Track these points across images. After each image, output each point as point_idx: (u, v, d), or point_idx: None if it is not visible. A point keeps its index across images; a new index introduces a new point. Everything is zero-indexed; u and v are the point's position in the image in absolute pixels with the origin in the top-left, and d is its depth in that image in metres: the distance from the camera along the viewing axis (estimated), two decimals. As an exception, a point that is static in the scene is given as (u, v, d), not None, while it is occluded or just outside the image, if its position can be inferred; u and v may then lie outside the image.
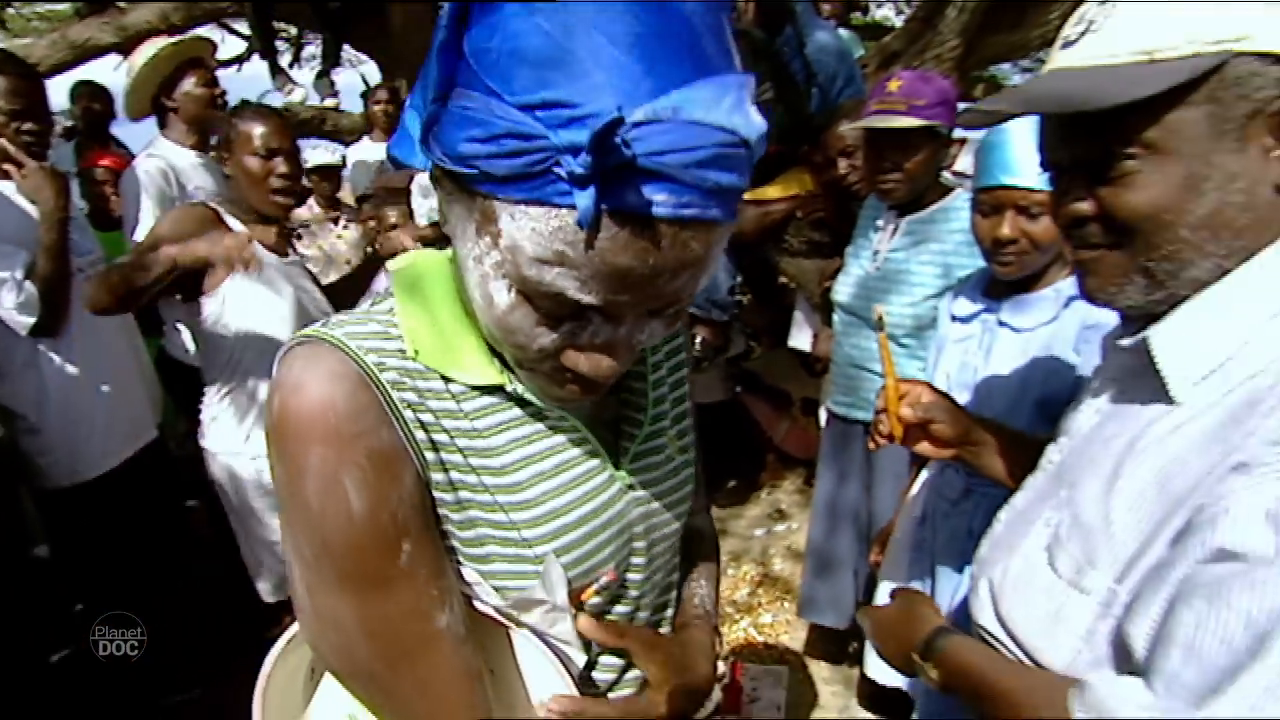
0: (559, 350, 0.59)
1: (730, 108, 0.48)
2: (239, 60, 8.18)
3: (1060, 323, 1.38)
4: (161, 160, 2.61)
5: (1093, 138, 0.69)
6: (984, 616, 0.84)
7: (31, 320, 2.02)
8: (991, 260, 1.44)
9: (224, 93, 2.76)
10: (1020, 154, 1.33)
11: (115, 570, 2.20)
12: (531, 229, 0.51)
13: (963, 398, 1.43)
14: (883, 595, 1.66)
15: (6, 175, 2.05)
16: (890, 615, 0.99)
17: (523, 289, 0.55)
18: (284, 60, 6.74)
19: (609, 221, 0.49)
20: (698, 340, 2.87)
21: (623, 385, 0.76)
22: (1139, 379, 0.75)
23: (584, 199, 0.47)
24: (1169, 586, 0.64)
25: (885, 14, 9.19)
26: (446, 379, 0.65)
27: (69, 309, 2.10)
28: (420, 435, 0.62)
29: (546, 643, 0.71)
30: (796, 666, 2.57)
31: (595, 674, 0.76)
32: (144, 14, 4.57)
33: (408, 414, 0.61)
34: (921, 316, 1.91)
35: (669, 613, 0.86)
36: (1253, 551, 0.59)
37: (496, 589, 0.68)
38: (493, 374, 0.65)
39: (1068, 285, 1.38)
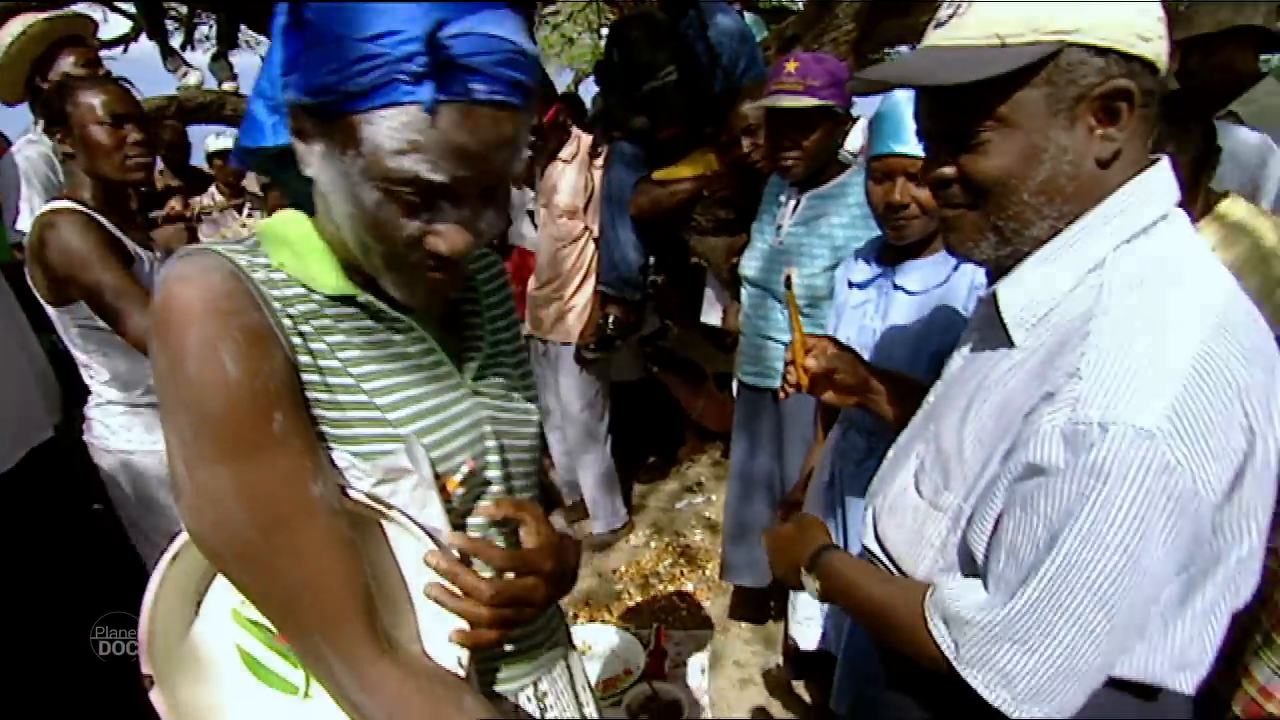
0: (422, 236, 0.70)
1: (513, 29, 0.66)
2: (124, 40, 7.69)
3: (951, 285, 1.49)
4: (44, 145, 2.48)
5: (955, 110, 0.78)
6: (867, 538, 0.96)
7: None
8: (885, 225, 1.53)
9: (107, 74, 2.62)
10: (909, 124, 1.42)
11: (12, 574, 2.09)
12: (387, 128, 0.64)
13: (864, 356, 1.53)
14: None
15: None
16: (785, 534, 1.12)
17: (385, 183, 0.66)
18: (175, 41, 6.40)
19: (445, 109, 0.64)
20: (610, 319, 2.91)
21: (462, 316, 0.88)
22: (992, 327, 0.86)
23: (426, 90, 0.62)
24: (999, 500, 0.76)
25: (791, -2, 9.36)
26: (308, 289, 0.74)
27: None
28: (288, 323, 0.71)
29: (419, 530, 0.75)
30: (719, 630, 2.67)
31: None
32: (14, -11, 4.26)
33: (276, 305, 0.70)
34: (819, 288, 2.00)
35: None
36: (1050, 465, 0.70)
37: (365, 459, 0.74)
38: (347, 286, 0.75)
39: None
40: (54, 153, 2.51)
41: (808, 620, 1.87)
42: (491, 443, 0.84)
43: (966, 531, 0.80)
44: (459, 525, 0.82)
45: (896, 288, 1.57)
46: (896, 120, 1.45)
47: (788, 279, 1.25)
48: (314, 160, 0.70)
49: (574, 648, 1.03)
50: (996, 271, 0.85)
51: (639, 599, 2.89)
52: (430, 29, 0.61)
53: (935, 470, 0.85)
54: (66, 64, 2.50)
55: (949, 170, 0.81)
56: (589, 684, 1.05)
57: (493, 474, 0.84)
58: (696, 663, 2.48)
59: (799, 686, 2.36)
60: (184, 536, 0.73)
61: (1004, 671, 0.74)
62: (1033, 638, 0.72)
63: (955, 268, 1.49)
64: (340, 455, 0.73)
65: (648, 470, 3.72)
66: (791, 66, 1.94)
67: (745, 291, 2.25)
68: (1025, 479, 0.73)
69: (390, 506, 0.74)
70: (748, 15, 4.09)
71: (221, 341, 0.65)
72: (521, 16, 0.67)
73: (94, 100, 1.81)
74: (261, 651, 0.77)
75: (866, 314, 1.62)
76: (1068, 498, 0.69)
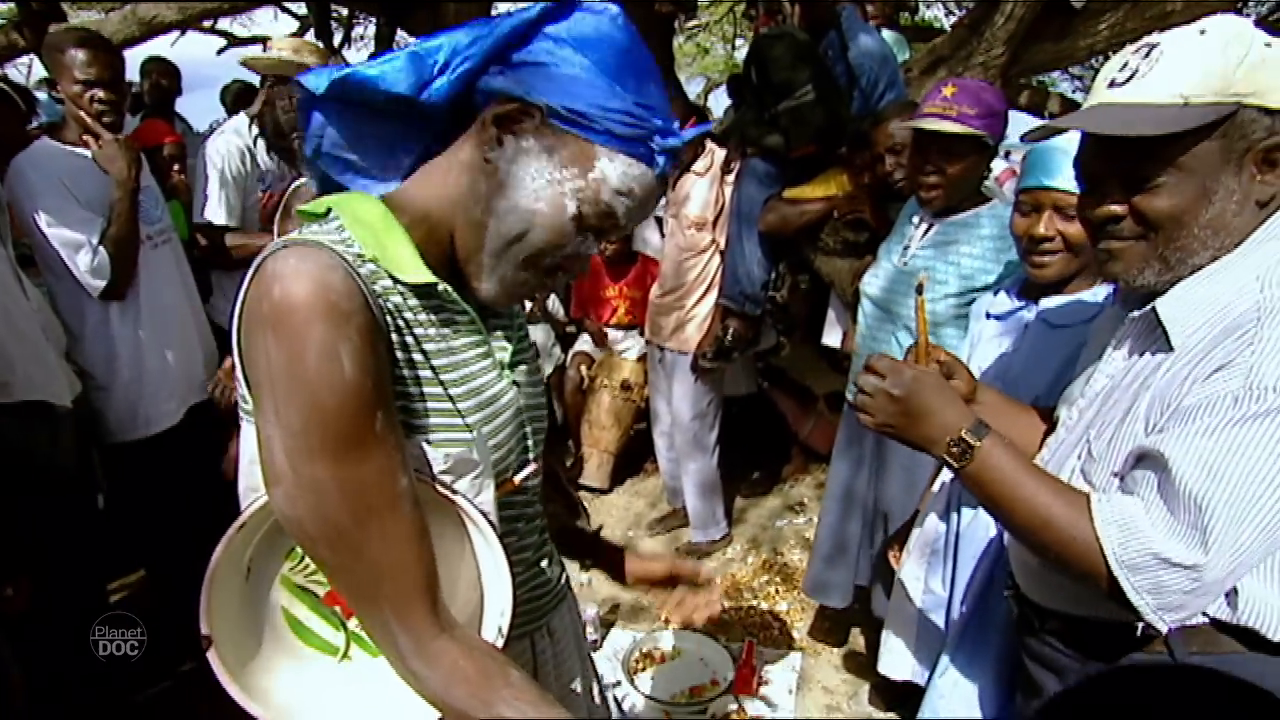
0: (573, 250, 0.81)
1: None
2: (325, 52, 8.35)
3: (1101, 318, 1.45)
4: (241, 139, 2.73)
5: (1134, 156, 0.89)
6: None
7: (103, 284, 2.16)
8: (1027, 258, 1.53)
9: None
10: (1061, 161, 1.45)
11: (168, 520, 2.33)
12: (623, 170, 0.79)
13: (998, 386, 1.51)
14: (911, 589, 1.73)
15: (85, 145, 2.19)
16: (926, 402, 1.04)
17: (590, 206, 0.79)
18: (335, 40, 6.89)
19: (656, 178, 0.80)
20: (730, 332, 2.94)
21: (494, 314, 0.92)
22: (1145, 339, 0.98)
23: (663, 161, 0.80)
24: (1162, 450, 0.88)
25: (935, 14, 9.08)
26: (394, 279, 0.77)
27: (135, 274, 2.24)
28: (387, 319, 0.75)
29: (481, 518, 0.81)
30: (810, 653, 2.65)
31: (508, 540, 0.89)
32: (208, -7, 4.71)
33: (378, 300, 0.74)
34: (938, 314, 1.96)
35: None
36: (1223, 418, 0.85)
37: (435, 446, 0.79)
38: (428, 275, 0.78)
39: (1105, 289, 1.49)
40: (254, 146, 2.79)
41: (899, 652, 1.85)
42: (529, 428, 0.92)
43: (1123, 483, 0.94)
44: (506, 531, 0.89)
45: (1040, 319, 1.56)
46: (1048, 156, 1.48)
47: (920, 285, 1.25)
48: (508, 151, 0.78)
49: (570, 591, 1.13)
50: (1145, 295, 0.96)
51: (731, 611, 2.90)
52: (676, 129, 0.81)
53: (1091, 469, 1.00)
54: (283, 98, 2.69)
55: (1119, 209, 0.93)
56: (582, 624, 1.23)
57: (529, 458, 0.93)
58: (784, 682, 2.47)
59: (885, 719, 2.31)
60: (250, 509, 0.79)
61: (1158, 582, 0.87)
62: (1195, 551, 0.84)
63: (1102, 306, 1.46)
64: (413, 444, 0.78)
65: (751, 485, 3.72)
66: (949, 91, 1.92)
67: (864, 309, 2.22)
68: (1193, 432, 0.85)
69: (455, 492, 0.79)
70: (888, 33, 4.02)
71: (342, 343, 0.68)
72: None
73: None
74: (305, 615, 0.82)
75: (1003, 345, 1.61)
76: (1243, 443, 0.82)
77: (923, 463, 1.90)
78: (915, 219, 2.11)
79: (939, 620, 1.67)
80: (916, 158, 2.00)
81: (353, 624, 0.82)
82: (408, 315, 0.78)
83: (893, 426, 1.07)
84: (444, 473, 0.79)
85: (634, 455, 3.95)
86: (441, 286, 0.79)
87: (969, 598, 1.57)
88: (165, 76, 3.96)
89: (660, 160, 0.80)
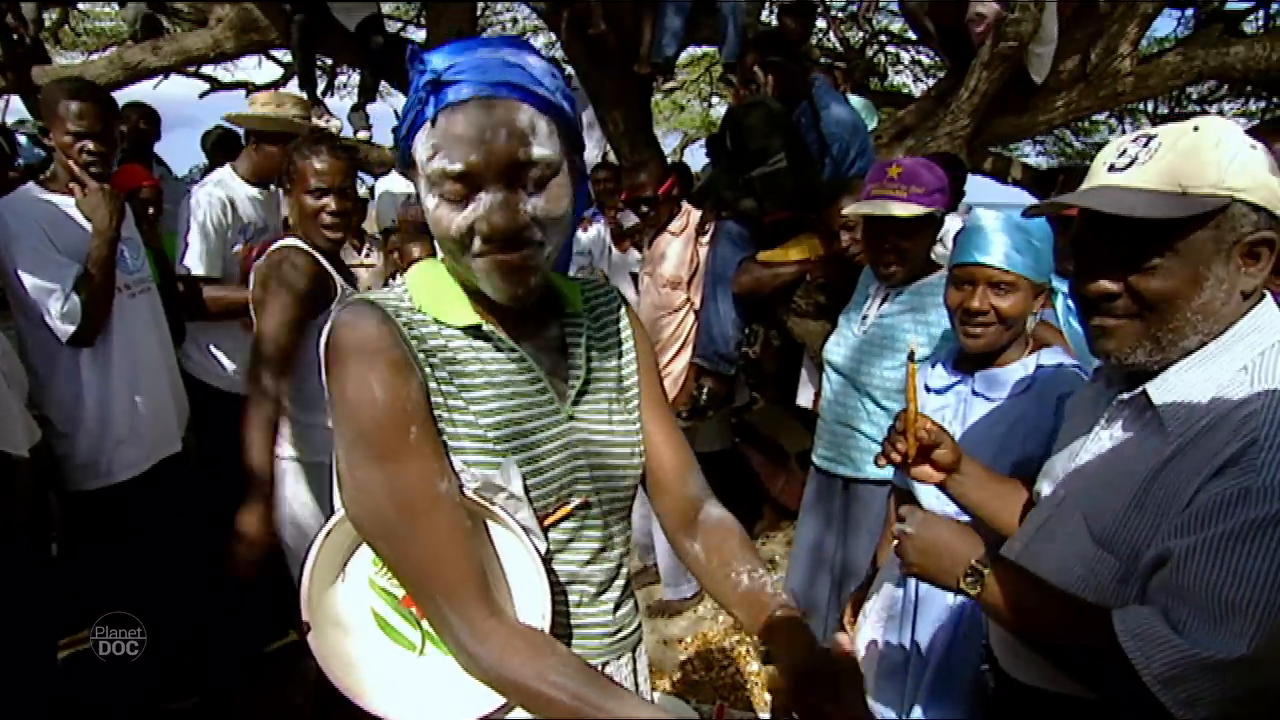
0: (470, 225, 0.84)
1: (508, 52, 0.85)
2: (274, 86, 8.44)
3: (1034, 392, 1.53)
4: (224, 191, 2.76)
5: (1131, 238, 0.94)
6: None
7: (72, 329, 2.13)
8: (961, 329, 1.59)
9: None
10: (993, 239, 1.53)
11: (128, 573, 2.27)
12: (419, 144, 0.85)
13: None
14: (866, 654, 1.74)
15: (70, 193, 2.19)
16: (943, 534, 1.12)
17: (431, 187, 0.85)
18: (319, 88, 6.97)
19: (442, 114, 0.83)
20: (704, 390, 2.97)
21: (566, 347, 1.00)
22: (1136, 422, 1.02)
23: (429, 108, 0.83)
24: (1183, 554, 0.89)
25: (903, 80, 9.45)
26: (440, 324, 0.90)
27: (107, 322, 2.22)
28: (422, 357, 0.87)
29: (516, 525, 0.89)
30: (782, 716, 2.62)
31: (556, 566, 0.95)
32: (195, 41, 4.79)
33: (414, 343, 0.87)
34: (903, 380, 2.01)
35: (625, 562, 1.04)
36: (1240, 521, 0.85)
37: (468, 467, 0.88)
38: (473, 318, 0.91)
39: (1033, 360, 1.58)
40: (266, 203, 2.83)
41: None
42: (582, 461, 0.95)
43: (1147, 578, 0.94)
44: (554, 553, 0.94)
45: (975, 394, 1.61)
46: (982, 234, 1.55)
47: (911, 352, 1.29)
48: (423, 203, 0.88)
49: (642, 647, 1.11)
50: (1131, 376, 1.02)
51: (701, 671, 2.87)
52: (439, 70, 0.83)
53: (1102, 534, 1.00)
54: (276, 150, 2.75)
55: (1114, 286, 0.97)
56: (649, 679, 1.14)
57: (582, 489, 0.95)
58: (756, 746, 2.44)
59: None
60: (336, 517, 0.91)
61: (1195, 693, 0.86)
62: (1238, 645, 0.83)
63: (1035, 376, 1.55)
64: (455, 462, 0.88)
65: (721, 541, 3.71)
66: (895, 172, 1.98)
67: (828, 377, 2.25)
68: (1212, 536, 0.86)
69: (493, 503, 0.88)
70: (855, 99, 4.18)
71: (371, 372, 0.82)
72: (519, 48, 0.88)
73: (310, 166, 2.04)
74: (389, 613, 0.94)
75: (945, 419, 1.64)
76: (1262, 544, 0.83)
77: (890, 524, 1.93)
78: (872, 288, 2.17)
79: (898, 686, 1.68)
80: (872, 237, 2.06)
81: (426, 623, 0.91)
82: (445, 354, 0.89)
83: (917, 565, 1.13)
84: (476, 491, 0.88)
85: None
86: (487, 327, 0.92)
87: (933, 663, 1.59)
88: (145, 120, 3.97)
89: (427, 109, 0.83)
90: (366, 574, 0.94)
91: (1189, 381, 0.96)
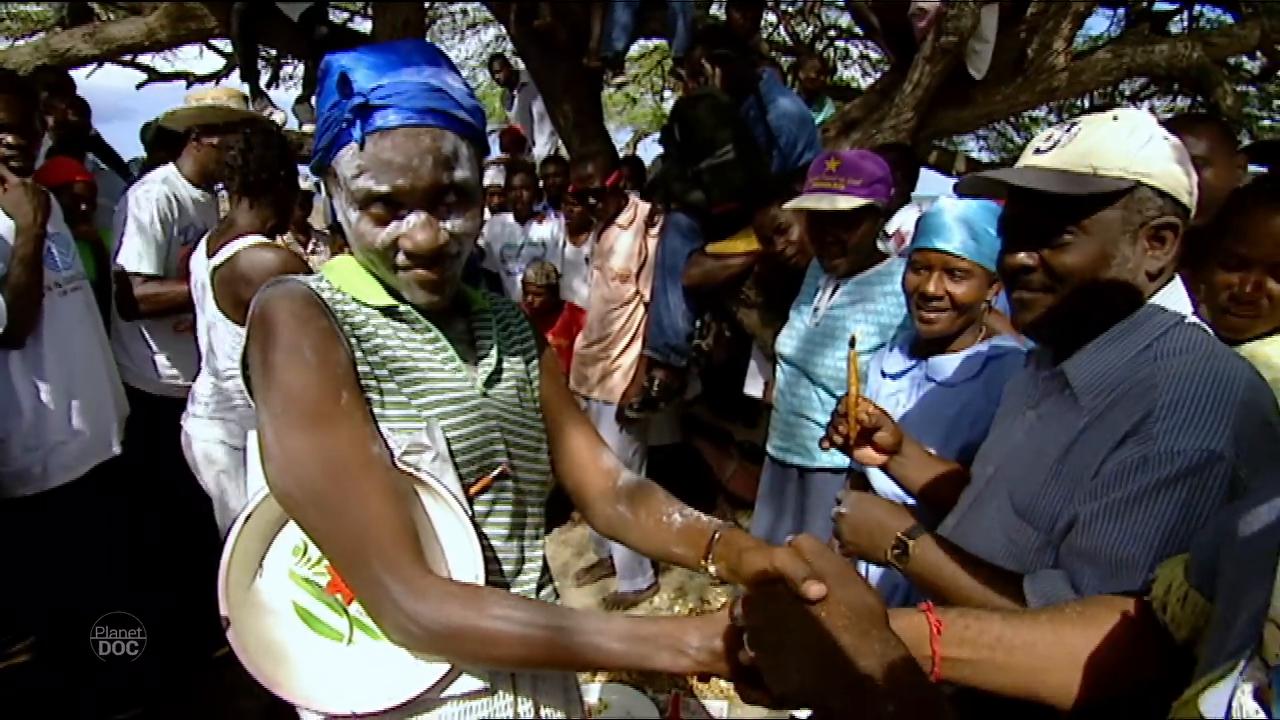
0: (394, 241, 0.90)
1: (430, 74, 0.89)
2: (216, 77, 8.20)
3: (983, 378, 1.58)
4: (169, 189, 2.66)
5: (1047, 215, 0.99)
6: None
7: (-1, 331, 2.05)
8: (916, 313, 1.63)
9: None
10: (951, 225, 1.57)
11: (64, 582, 2.20)
12: (345, 162, 0.89)
13: None
14: None
15: (-8, 189, 2.10)
16: (873, 512, 1.19)
17: (355, 203, 0.89)
18: (262, 80, 6.79)
19: (370, 139, 0.87)
20: (655, 382, 2.99)
21: (477, 339, 1.06)
22: (1056, 400, 1.07)
23: (356, 130, 0.87)
24: (1088, 516, 0.94)
25: (852, 75, 9.59)
26: (360, 303, 0.95)
27: (36, 323, 2.14)
28: (347, 329, 0.91)
29: (445, 490, 0.91)
30: (736, 704, 2.65)
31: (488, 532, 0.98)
32: (128, 29, 4.62)
33: (339, 315, 0.91)
34: (861, 368, 2.05)
35: (543, 549, 1.09)
36: (1136, 486, 0.90)
37: (395, 433, 0.91)
38: (388, 299, 0.96)
39: (984, 346, 1.61)
40: (208, 206, 2.78)
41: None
42: (497, 434, 1.00)
43: (1060, 545, 0.99)
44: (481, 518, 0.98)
45: (929, 379, 1.66)
46: (940, 220, 1.59)
47: (852, 340, 1.33)
48: (337, 209, 0.94)
49: None
50: (1056, 352, 1.07)
51: (658, 662, 2.88)
52: (365, 92, 0.86)
53: (1023, 506, 1.05)
54: (219, 141, 2.67)
55: (1030, 260, 1.02)
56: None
57: (500, 459, 1.00)
58: (710, 734, 2.47)
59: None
60: (252, 503, 0.91)
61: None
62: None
63: (985, 363, 1.59)
64: (380, 428, 0.91)
65: (676, 532, 3.73)
66: (833, 165, 2.01)
67: (781, 369, 2.29)
68: (1113, 500, 0.91)
69: (419, 468, 0.90)
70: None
71: (303, 337, 0.86)
72: (439, 65, 0.92)
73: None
74: (312, 604, 0.93)
75: (899, 403, 1.69)
76: (1156, 506, 0.88)
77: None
78: (822, 280, 2.20)
79: None
80: (815, 230, 2.09)
81: (354, 610, 0.91)
82: (367, 329, 0.94)
83: (851, 543, 1.19)
84: (404, 454, 0.90)
85: (560, 505, 3.90)
86: (403, 308, 0.97)
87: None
88: (75, 111, 3.81)
89: (354, 131, 0.86)
90: (285, 566, 0.93)
91: (1100, 359, 1.01)
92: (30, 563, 2.21)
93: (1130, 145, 0.97)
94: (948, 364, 1.64)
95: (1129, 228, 0.97)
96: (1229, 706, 0.53)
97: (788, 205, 2.26)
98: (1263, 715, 0.52)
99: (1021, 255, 1.03)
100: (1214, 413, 0.88)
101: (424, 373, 0.95)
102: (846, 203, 1.94)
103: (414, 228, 0.89)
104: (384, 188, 0.87)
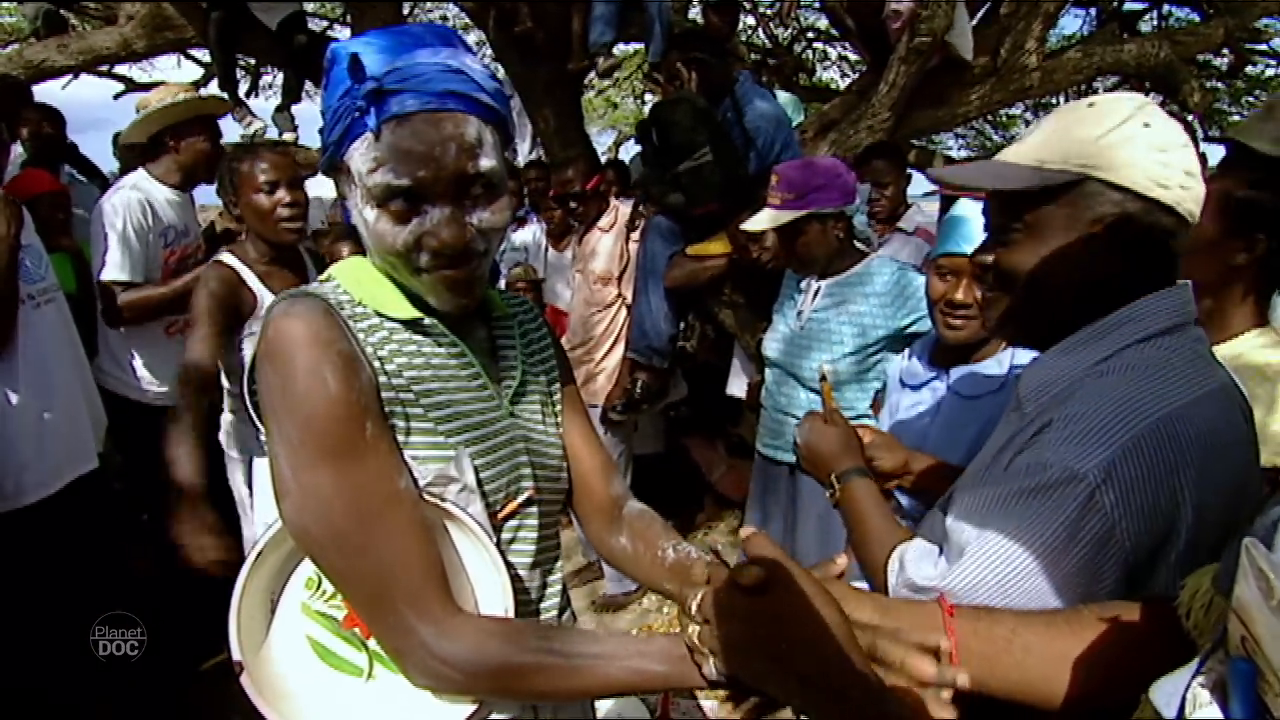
0: (418, 240, 0.82)
1: (446, 55, 0.81)
2: (195, 87, 8.12)
3: (1006, 392, 1.48)
4: (141, 194, 2.64)
5: (1001, 211, 0.95)
6: None
7: (-26, 343, 2.03)
8: (940, 322, 1.56)
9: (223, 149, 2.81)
10: (978, 229, 1.50)
11: (40, 597, 2.17)
12: (359, 156, 0.80)
13: None
14: None
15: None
16: (829, 436, 1.25)
17: (372, 200, 0.81)
18: (241, 89, 6.75)
19: (387, 126, 0.78)
20: (639, 384, 3.00)
21: (500, 349, 1.00)
22: (1016, 404, 1.01)
23: (371, 119, 0.78)
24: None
25: (831, 76, 9.65)
26: (382, 316, 0.87)
27: (13, 334, 2.12)
28: (369, 350, 0.83)
29: (474, 524, 0.86)
30: (724, 706, 2.66)
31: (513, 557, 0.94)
32: (103, 39, 4.59)
33: (360, 336, 0.84)
34: (841, 374, 2.07)
35: (561, 571, 1.05)
36: (1015, 488, 0.86)
37: (420, 463, 0.85)
38: (413, 311, 0.88)
39: (1007, 357, 1.53)
40: (184, 206, 2.76)
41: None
42: (524, 458, 0.95)
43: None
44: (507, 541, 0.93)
45: (951, 391, 1.58)
46: (968, 224, 1.51)
47: (822, 375, 1.33)
48: (347, 200, 0.86)
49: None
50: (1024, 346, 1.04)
51: (646, 663, 2.89)
52: (367, 74, 0.78)
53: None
54: (198, 138, 2.69)
55: (986, 258, 0.97)
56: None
57: (526, 485, 0.95)
58: (700, 734, 2.47)
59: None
60: (263, 540, 0.85)
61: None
62: (937, 577, 0.88)
63: (1009, 373, 1.50)
64: (408, 458, 0.85)
65: (664, 534, 3.74)
66: (775, 179, 2.08)
67: (768, 370, 2.33)
68: (994, 494, 0.88)
69: (444, 499, 0.85)
70: (783, 95, 4.26)
71: (324, 363, 0.78)
72: (454, 46, 0.84)
73: (255, 167, 2.10)
74: (328, 639, 0.87)
75: (921, 415, 1.62)
76: (1018, 509, 0.84)
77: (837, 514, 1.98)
78: (803, 283, 2.24)
79: None
80: (780, 239, 2.18)
81: (373, 644, 0.85)
82: (390, 348, 0.86)
83: (805, 464, 1.27)
84: (429, 486, 0.84)
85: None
86: (429, 321, 0.89)
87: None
88: (49, 123, 3.78)
89: (369, 119, 0.78)
90: (299, 600, 0.88)
91: (1053, 367, 0.94)
92: (4, 582, 2.18)
93: (1086, 136, 0.87)
94: (971, 377, 1.56)
95: (1076, 225, 0.88)
96: (1182, 700, 0.52)
97: (744, 226, 2.30)
98: (1216, 708, 0.50)
99: (980, 254, 0.99)
100: (1100, 435, 0.81)
101: (451, 394, 0.88)
102: (772, 220, 2.03)
103: (438, 224, 0.81)
104: (404, 180, 0.79)
